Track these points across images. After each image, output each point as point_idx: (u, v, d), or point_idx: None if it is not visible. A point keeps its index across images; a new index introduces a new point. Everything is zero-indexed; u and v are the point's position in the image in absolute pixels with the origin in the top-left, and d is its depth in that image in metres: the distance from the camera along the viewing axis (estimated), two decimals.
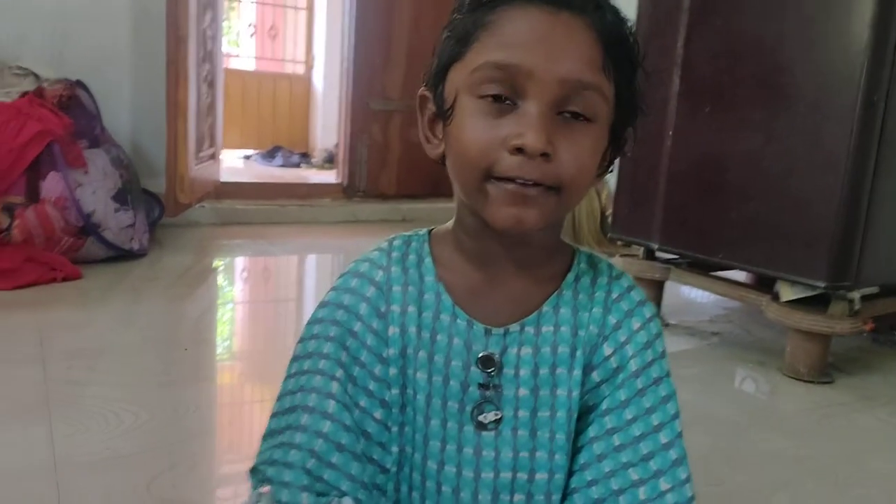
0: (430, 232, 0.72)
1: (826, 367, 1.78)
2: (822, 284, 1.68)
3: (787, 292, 1.78)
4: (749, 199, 1.81)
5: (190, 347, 1.77)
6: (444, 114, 0.63)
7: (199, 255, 2.75)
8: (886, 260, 1.76)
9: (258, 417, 1.45)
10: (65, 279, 2.15)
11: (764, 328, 2.18)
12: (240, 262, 2.86)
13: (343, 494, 0.64)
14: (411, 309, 0.68)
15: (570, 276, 0.69)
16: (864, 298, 1.76)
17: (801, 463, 1.35)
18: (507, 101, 0.59)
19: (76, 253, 2.30)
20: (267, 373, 1.68)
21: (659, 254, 2.17)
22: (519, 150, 0.57)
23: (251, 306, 2.29)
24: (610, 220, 2.69)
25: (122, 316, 1.96)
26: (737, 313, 2.36)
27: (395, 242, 0.71)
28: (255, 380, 1.65)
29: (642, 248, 2.19)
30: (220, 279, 2.61)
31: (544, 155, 0.58)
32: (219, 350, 1.85)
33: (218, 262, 2.78)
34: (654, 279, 2.14)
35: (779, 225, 1.75)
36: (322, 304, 0.70)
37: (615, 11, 0.61)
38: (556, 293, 0.68)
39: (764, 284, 2.04)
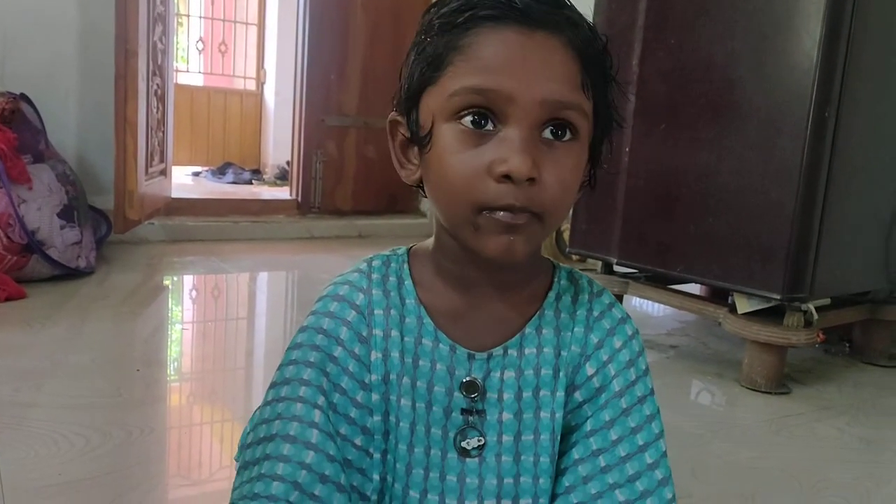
0: (408, 251, 0.70)
1: (783, 378, 1.82)
2: (778, 296, 1.71)
3: (744, 304, 1.81)
4: (705, 214, 1.84)
5: (141, 368, 1.71)
6: (420, 141, 0.61)
7: (149, 274, 2.68)
8: (838, 271, 1.80)
9: (214, 439, 1.41)
10: (8, 299, 2.07)
11: (720, 340, 2.21)
12: (191, 280, 2.79)
13: None
14: (394, 333, 0.66)
15: (552, 295, 0.68)
16: (817, 310, 1.80)
17: (765, 473, 1.36)
18: (488, 127, 0.57)
19: (20, 272, 2.21)
20: (220, 393, 1.64)
21: (617, 268, 2.19)
22: (506, 177, 0.56)
23: (203, 325, 2.23)
24: (566, 235, 2.71)
25: (69, 336, 1.89)
26: (692, 326, 2.39)
27: (375, 263, 0.69)
28: (209, 400, 1.60)
29: (600, 263, 2.21)
30: (171, 298, 2.54)
31: (530, 179, 0.56)
32: (170, 370, 1.79)
33: (168, 281, 2.70)
34: (613, 293, 2.15)
35: (734, 239, 1.78)
36: (302, 329, 0.67)
37: (590, 27, 0.60)
38: (537, 314, 0.67)
39: (719, 297, 2.07)
